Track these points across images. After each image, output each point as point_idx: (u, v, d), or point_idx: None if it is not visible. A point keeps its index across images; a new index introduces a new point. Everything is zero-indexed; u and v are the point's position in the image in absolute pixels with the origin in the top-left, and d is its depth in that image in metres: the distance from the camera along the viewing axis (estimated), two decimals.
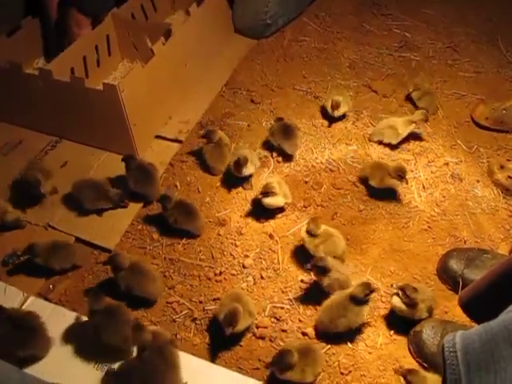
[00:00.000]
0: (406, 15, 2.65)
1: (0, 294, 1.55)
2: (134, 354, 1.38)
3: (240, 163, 1.78)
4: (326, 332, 1.47)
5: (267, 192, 1.68)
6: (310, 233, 1.58)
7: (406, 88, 2.24)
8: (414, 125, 1.96)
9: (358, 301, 1.42)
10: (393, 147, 1.99)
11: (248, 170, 1.82)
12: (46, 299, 1.56)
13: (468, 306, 1.43)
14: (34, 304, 1.54)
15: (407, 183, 1.80)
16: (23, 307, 1.53)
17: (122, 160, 1.80)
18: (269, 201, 1.70)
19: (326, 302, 1.47)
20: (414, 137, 2.01)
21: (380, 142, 2.01)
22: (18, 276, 1.62)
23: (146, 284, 1.53)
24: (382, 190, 1.81)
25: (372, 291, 1.42)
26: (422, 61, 2.40)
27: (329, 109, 2.06)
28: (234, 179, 1.88)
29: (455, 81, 2.28)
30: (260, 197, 1.70)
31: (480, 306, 1.41)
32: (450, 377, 0.82)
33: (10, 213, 1.74)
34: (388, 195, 1.82)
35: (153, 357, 1.33)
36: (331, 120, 2.09)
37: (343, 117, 2.10)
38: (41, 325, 1.43)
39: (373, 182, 1.81)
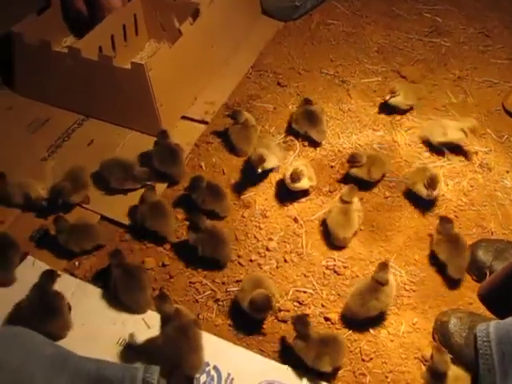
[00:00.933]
0: None
1: (28, 268, 1.58)
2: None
3: (255, 162, 1.73)
4: (356, 318, 1.46)
5: (297, 177, 1.67)
6: (341, 199, 1.63)
7: (435, 74, 2.21)
8: (463, 134, 1.85)
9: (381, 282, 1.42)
10: (420, 136, 1.96)
11: (269, 164, 1.76)
12: (72, 275, 1.58)
13: (487, 299, 1.41)
14: (59, 279, 1.56)
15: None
16: None
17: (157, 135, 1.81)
18: (297, 185, 1.70)
19: (353, 290, 1.47)
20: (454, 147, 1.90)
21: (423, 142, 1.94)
22: (46, 251, 1.64)
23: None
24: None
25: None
26: (453, 46, 2.35)
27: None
28: None
29: (487, 68, 2.24)
30: (288, 181, 1.69)
31: (498, 299, 1.39)
32: (482, 366, 0.81)
33: (34, 191, 1.73)
34: None
35: (176, 336, 1.33)
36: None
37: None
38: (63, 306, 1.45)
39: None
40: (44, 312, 1.39)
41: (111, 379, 0.85)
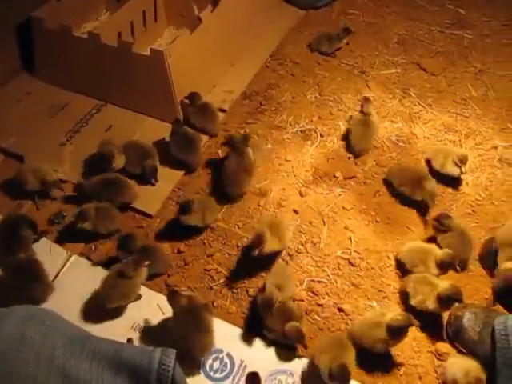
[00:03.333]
0: None
1: (45, 252, 1.60)
2: None
3: (253, 243, 1.50)
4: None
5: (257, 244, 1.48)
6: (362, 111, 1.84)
7: (455, 67, 2.18)
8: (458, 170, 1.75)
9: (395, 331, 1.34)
10: (439, 129, 1.94)
11: (269, 247, 1.51)
12: (88, 259, 1.60)
13: (500, 294, 1.40)
14: (76, 262, 1.58)
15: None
16: (66, 265, 1.58)
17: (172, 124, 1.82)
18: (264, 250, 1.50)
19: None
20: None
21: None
22: (63, 235, 1.65)
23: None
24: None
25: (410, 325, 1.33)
26: (475, 39, 2.32)
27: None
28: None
29: (509, 61, 2.20)
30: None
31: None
32: (500, 360, 0.80)
33: (50, 175, 1.75)
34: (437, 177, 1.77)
35: (185, 317, 1.35)
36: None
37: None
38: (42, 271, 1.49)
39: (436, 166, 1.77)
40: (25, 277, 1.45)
41: (129, 361, 0.87)
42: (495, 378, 0.79)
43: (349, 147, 1.88)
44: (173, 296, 1.40)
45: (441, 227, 1.56)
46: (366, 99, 1.89)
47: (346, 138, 1.91)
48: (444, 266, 1.47)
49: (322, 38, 2.25)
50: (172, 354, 0.90)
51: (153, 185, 1.78)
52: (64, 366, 0.84)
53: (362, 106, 1.88)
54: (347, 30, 2.26)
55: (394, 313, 1.38)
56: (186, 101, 1.90)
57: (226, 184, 1.72)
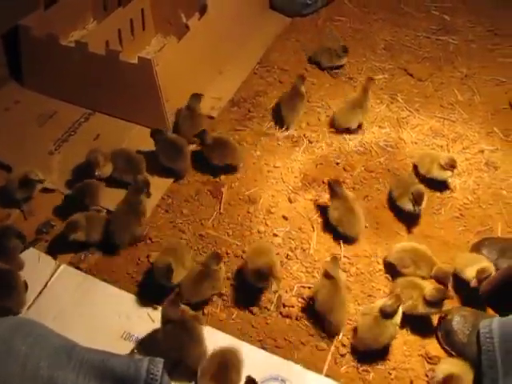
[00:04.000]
0: None
1: (34, 261, 1.59)
2: None
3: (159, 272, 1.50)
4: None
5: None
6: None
7: (442, 72, 2.20)
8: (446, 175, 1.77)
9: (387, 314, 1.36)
10: (427, 134, 1.96)
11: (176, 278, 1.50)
12: (78, 268, 1.59)
13: (487, 297, 1.41)
14: (65, 272, 1.57)
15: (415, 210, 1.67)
16: (55, 275, 1.56)
17: (151, 135, 1.80)
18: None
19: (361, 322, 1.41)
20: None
21: None
22: (51, 244, 1.64)
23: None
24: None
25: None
26: (461, 44, 2.35)
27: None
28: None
29: (494, 66, 2.23)
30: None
31: (500, 297, 1.39)
32: (485, 362, 0.81)
33: (33, 172, 1.73)
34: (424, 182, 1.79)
35: (175, 330, 1.34)
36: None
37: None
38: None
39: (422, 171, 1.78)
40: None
41: (116, 370, 0.86)
42: (481, 379, 0.80)
43: None
44: (173, 304, 1.35)
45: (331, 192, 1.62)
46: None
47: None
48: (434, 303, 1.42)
49: (322, 51, 2.22)
50: (160, 364, 0.89)
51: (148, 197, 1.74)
52: (51, 377, 0.83)
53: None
54: (344, 49, 2.20)
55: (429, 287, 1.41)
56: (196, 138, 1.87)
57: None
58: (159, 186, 1.80)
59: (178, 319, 1.35)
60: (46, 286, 1.54)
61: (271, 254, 1.53)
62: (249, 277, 1.50)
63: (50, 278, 1.56)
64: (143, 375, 0.87)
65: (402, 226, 1.69)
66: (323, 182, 1.80)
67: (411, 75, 2.21)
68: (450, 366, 1.29)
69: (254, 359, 1.39)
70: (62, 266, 1.59)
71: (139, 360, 0.90)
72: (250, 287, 1.51)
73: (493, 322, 0.85)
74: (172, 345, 1.34)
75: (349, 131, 1.96)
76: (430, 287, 1.42)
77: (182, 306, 1.40)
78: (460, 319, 1.40)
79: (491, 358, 0.81)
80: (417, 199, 1.64)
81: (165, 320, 1.35)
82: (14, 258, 1.55)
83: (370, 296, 1.53)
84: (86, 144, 1.90)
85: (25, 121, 2.01)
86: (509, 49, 2.29)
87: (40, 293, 1.53)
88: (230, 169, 1.84)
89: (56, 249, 1.64)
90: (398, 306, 1.36)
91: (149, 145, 1.86)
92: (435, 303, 1.39)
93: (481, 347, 0.82)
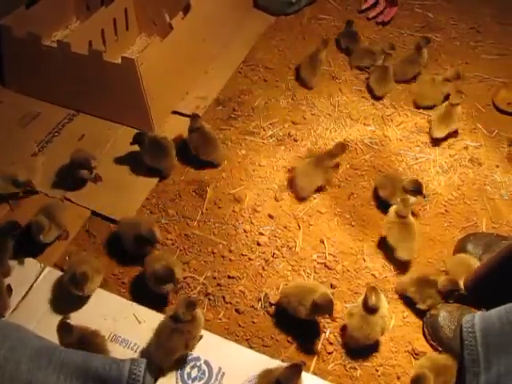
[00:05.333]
0: None
1: (19, 264, 1.57)
2: None
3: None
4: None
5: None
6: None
7: (426, 69, 2.21)
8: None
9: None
10: (411, 131, 1.97)
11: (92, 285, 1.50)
12: (63, 270, 1.57)
13: (471, 291, 1.42)
14: (50, 274, 1.56)
15: (425, 197, 1.70)
16: (40, 277, 1.55)
17: (134, 141, 1.78)
18: None
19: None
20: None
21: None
22: (36, 246, 1.62)
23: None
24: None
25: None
26: (444, 42, 2.35)
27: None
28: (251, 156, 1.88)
29: (477, 63, 2.24)
30: None
31: (483, 291, 1.40)
32: (467, 357, 0.82)
33: (22, 176, 1.72)
34: (407, 177, 1.79)
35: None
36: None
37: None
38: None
39: (382, 193, 1.72)
40: None
41: (98, 370, 0.85)
42: (464, 374, 0.80)
43: None
44: (190, 306, 1.30)
45: None
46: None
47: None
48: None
49: (363, 53, 2.22)
50: (142, 364, 0.89)
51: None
52: (30, 380, 0.82)
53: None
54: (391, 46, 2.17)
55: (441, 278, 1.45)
56: None
57: None
58: (144, 186, 1.80)
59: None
60: (30, 288, 1.53)
61: None
62: None
63: (35, 281, 1.55)
64: (125, 375, 0.86)
65: None
66: None
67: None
68: (426, 361, 1.30)
69: (241, 358, 1.39)
70: (46, 269, 1.57)
71: (121, 360, 0.89)
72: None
73: (475, 317, 0.86)
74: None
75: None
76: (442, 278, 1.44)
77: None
78: (446, 315, 1.41)
79: (473, 352, 0.81)
80: (418, 188, 1.64)
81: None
82: (1, 265, 1.53)
83: (356, 293, 1.53)
84: (71, 145, 1.89)
85: (7, 122, 2.00)
86: (491, 46, 2.30)
87: (25, 296, 1.51)
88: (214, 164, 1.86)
89: (40, 250, 1.62)
90: (378, 299, 1.36)
91: (134, 145, 1.85)
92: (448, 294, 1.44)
93: (463, 342, 0.83)
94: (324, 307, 1.36)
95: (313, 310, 1.38)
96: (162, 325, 1.32)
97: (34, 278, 1.55)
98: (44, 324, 1.44)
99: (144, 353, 1.36)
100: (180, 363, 1.36)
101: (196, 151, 1.83)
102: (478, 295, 1.28)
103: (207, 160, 1.84)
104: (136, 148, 1.81)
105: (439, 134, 1.90)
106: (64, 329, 1.32)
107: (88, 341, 1.28)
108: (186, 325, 1.29)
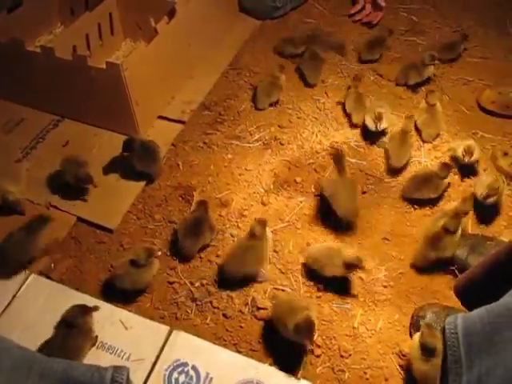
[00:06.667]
0: None
1: None
2: None
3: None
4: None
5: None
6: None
7: None
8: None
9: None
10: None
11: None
12: (48, 277, 1.56)
13: (462, 294, 1.43)
14: (35, 282, 1.54)
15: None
16: (24, 285, 1.53)
17: (125, 149, 1.78)
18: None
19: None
20: None
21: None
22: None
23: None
24: None
25: None
26: (428, 45, 2.36)
27: (371, 122, 1.92)
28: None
29: (462, 66, 2.25)
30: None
31: (473, 294, 1.40)
32: (450, 358, 0.82)
33: (12, 193, 1.71)
34: (393, 180, 1.81)
35: None
36: (371, 134, 1.96)
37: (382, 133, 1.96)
38: None
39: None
40: None
41: (79, 379, 0.84)
42: (446, 374, 0.81)
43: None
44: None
45: None
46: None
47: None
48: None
49: (408, 69, 2.16)
50: (124, 371, 0.88)
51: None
52: None
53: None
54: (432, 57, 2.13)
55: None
56: None
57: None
58: (130, 191, 1.79)
59: None
60: (14, 296, 1.51)
61: None
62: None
63: (19, 289, 1.53)
64: (107, 383, 0.85)
65: (374, 225, 1.70)
66: (295, 182, 1.81)
67: (381, 76, 2.23)
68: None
69: (229, 363, 1.38)
70: (31, 276, 1.56)
71: (104, 368, 0.88)
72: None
73: (457, 318, 0.86)
74: None
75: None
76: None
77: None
78: (432, 316, 1.41)
79: (456, 353, 0.82)
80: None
81: None
82: None
83: (344, 296, 1.53)
84: (56, 151, 1.88)
85: None
86: (475, 49, 2.32)
87: (8, 304, 1.50)
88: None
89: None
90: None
91: (119, 150, 1.84)
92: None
93: (446, 343, 0.83)
94: (305, 330, 1.34)
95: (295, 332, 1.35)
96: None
97: (19, 286, 1.53)
98: (30, 333, 1.42)
99: None
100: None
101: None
102: (468, 298, 1.28)
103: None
104: (119, 152, 1.81)
105: (429, 138, 1.95)
106: None
107: None
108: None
